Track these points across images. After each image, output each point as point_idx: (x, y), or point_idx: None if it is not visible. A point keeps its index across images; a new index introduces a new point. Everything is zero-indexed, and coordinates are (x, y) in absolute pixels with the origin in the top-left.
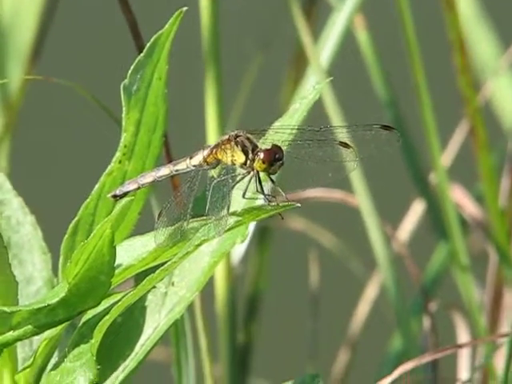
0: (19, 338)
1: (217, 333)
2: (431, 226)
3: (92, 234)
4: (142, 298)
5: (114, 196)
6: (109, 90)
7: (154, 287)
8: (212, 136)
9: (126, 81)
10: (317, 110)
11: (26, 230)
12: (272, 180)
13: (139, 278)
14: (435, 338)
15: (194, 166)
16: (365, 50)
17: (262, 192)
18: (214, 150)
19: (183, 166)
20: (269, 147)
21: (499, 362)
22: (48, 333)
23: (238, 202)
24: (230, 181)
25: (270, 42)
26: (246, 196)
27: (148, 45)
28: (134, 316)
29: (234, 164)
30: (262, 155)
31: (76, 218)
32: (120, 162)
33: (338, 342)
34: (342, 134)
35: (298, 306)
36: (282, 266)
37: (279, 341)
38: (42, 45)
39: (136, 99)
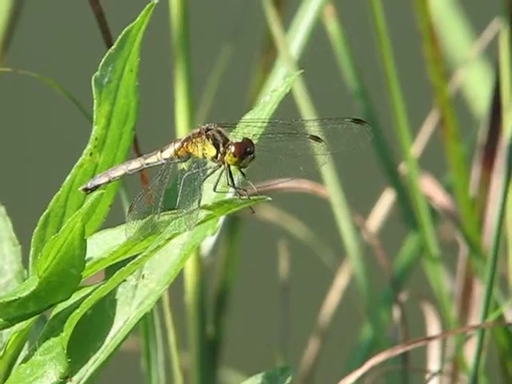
0: None
1: (187, 324)
2: (401, 217)
3: (63, 228)
4: (113, 291)
5: (85, 189)
6: (78, 82)
7: (125, 280)
8: (182, 127)
9: (98, 73)
10: (286, 100)
11: None
12: (243, 173)
13: (110, 271)
14: (405, 328)
15: (165, 159)
16: (335, 40)
17: (233, 185)
18: (185, 144)
19: (154, 159)
20: (240, 141)
21: (469, 353)
22: (18, 326)
23: (208, 195)
24: (201, 174)
25: (239, 31)
26: (216, 189)
27: (119, 37)
28: (104, 309)
29: (205, 157)
30: (232, 149)
31: (47, 211)
32: (91, 154)
33: (308, 333)
34: (314, 128)
35: (267, 296)
36: (252, 256)
37: (249, 331)
38: (11, 37)
39: (107, 91)
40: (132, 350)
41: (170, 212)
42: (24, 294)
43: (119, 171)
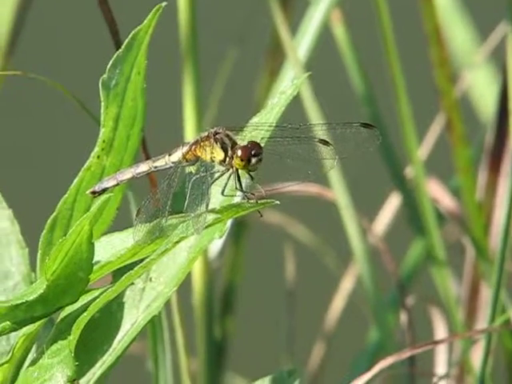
0: None
1: (193, 327)
2: (408, 220)
3: (70, 231)
4: (120, 294)
5: (93, 192)
6: (85, 85)
7: (132, 283)
8: (189, 130)
9: (105, 76)
10: (293, 104)
11: (3, 225)
12: (251, 177)
13: (117, 273)
14: (412, 332)
15: (173, 162)
16: (341, 44)
17: (241, 189)
18: (193, 147)
19: (162, 162)
20: (247, 144)
21: (476, 357)
22: (26, 329)
23: (216, 198)
24: (209, 178)
25: (246, 35)
26: (224, 193)
27: (127, 39)
28: (111, 311)
29: (213, 161)
30: (240, 152)
31: (54, 213)
32: (98, 157)
33: (314, 336)
34: (322, 132)
35: (273, 299)
36: (258, 260)
37: (255, 335)
38: (18, 39)
39: (115, 94)
40: (139, 353)
41: (177, 215)
42: (32, 297)
43: (127, 174)
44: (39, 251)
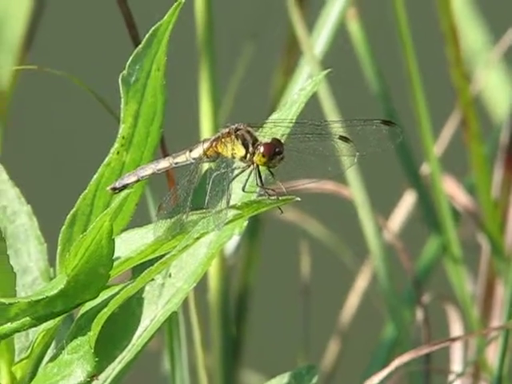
0: (17, 330)
1: (209, 323)
2: (423, 217)
3: (91, 227)
4: (139, 290)
5: (114, 189)
6: (104, 81)
7: (152, 279)
8: (206, 127)
9: (125, 72)
10: (309, 101)
11: (21, 220)
12: (272, 173)
13: (137, 269)
14: (428, 329)
15: (194, 158)
16: (357, 41)
17: (262, 185)
18: (214, 143)
19: (183, 158)
20: (269, 141)
21: (492, 355)
22: (45, 324)
23: (236, 194)
24: (230, 174)
25: (263, 31)
26: (245, 189)
27: (147, 36)
28: (131, 307)
29: (234, 157)
30: (262, 149)
31: (74, 209)
32: (118, 153)
33: (330, 333)
34: (342, 129)
35: (289, 296)
36: (273, 257)
37: (270, 332)
38: (35, 34)
39: (134, 90)
40: (155, 349)
41: (198, 211)
42: (52, 293)
43: (148, 170)
44: (59, 247)
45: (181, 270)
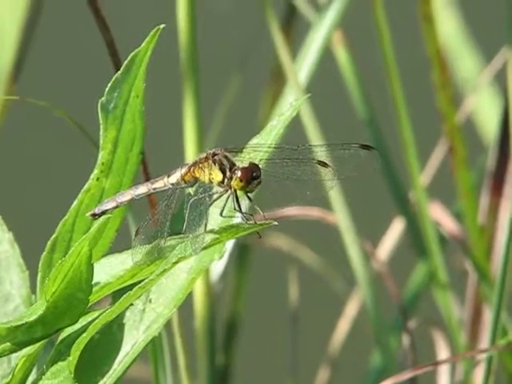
0: None
1: (195, 350)
2: (411, 244)
3: (70, 252)
4: (120, 315)
5: (93, 215)
6: (85, 108)
7: (132, 304)
8: (190, 153)
9: (103, 98)
10: (295, 128)
11: (3, 248)
12: (249, 198)
13: (117, 295)
14: (414, 355)
15: (172, 184)
16: (343, 67)
17: (240, 210)
18: (192, 169)
19: (161, 184)
20: (246, 166)
21: (478, 379)
22: (26, 350)
23: (215, 220)
24: (208, 199)
25: (248, 59)
26: (223, 214)
27: (125, 62)
28: (111, 333)
29: (212, 182)
30: (239, 174)
31: (54, 235)
32: (98, 179)
33: (319, 360)
34: (321, 153)
35: (277, 323)
36: (262, 284)
37: (259, 359)
38: (22, 66)
39: (113, 117)
40: (141, 376)
41: (176, 236)
42: (31, 319)
43: (127, 196)
44: (39, 273)
45: (161, 295)
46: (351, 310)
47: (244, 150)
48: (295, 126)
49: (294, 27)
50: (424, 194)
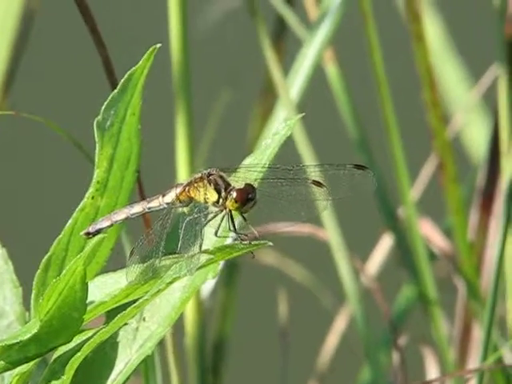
0: None
1: (186, 367)
2: (400, 260)
3: (64, 271)
4: (114, 334)
5: (87, 233)
6: (80, 125)
7: (126, 323)
8: (182, 171)
9: (100, 117)
10: (286, 145)
11: None
12: (244, 218)
13: (111, 314)
14: (404, 371)
15: (167, 203)
16: (334, 84)
17: (235, 230)
18: (187, 188)
19: (156, 203)
20: (242, 186)
21: None
22: (19, 368)
23: (209, 239)
24: (203, 219)
25: (239, 76)
26: (218, 234)
27: (122, 81)
28: (105, 351)
29: (207, 202)
30: (234, 194)
31: (49, 253)
32: (93, 197)
33: (308, 376)
34: (315, 173)
35: (267, 339)
36: (251, 300)
37: (248, 376)
38: (13, 79)
39: (109, 135)
40: None
41: (171, 256)
42: (25, 337)
43: (121, 215)
44: (33, 291)
45: (155, 314)
46: (340, 325)
47: (238, 170)
48: (286, 142)
49: (285, 44)
50: (414, 210)
